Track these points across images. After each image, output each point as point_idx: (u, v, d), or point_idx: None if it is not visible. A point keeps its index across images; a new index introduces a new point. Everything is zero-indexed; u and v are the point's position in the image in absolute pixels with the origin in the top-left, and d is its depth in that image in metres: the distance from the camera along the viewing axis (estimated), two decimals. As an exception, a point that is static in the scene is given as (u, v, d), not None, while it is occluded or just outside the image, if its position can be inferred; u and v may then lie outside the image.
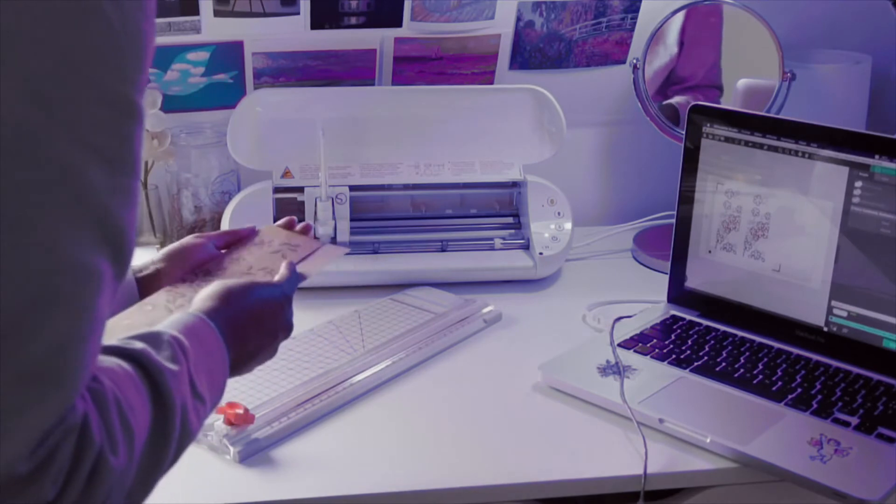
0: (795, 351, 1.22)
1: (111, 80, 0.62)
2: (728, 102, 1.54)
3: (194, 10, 1.42)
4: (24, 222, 0.59)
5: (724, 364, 1.20)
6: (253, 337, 0.89)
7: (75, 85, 0.60)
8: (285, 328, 0.94)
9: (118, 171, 0.63)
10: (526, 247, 1.48)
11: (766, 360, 1.21)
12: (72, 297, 0.61)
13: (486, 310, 1.35)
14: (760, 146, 1.25)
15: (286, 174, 1.45)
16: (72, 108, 0.60)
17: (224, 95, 1.50)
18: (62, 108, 0.60)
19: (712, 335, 1.26)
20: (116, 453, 0.64)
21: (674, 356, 1.22)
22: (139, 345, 0.72)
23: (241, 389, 1.13)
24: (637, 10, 1.57)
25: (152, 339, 0.74)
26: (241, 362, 0.89)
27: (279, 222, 1.11)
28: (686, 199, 1.32)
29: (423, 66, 1.56)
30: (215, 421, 1.05)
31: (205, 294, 0.89)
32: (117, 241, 0.64)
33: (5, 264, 0.58)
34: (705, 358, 1.21)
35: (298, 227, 1.12)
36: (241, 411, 1.06)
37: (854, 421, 1.09)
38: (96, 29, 0.61)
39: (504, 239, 1.49)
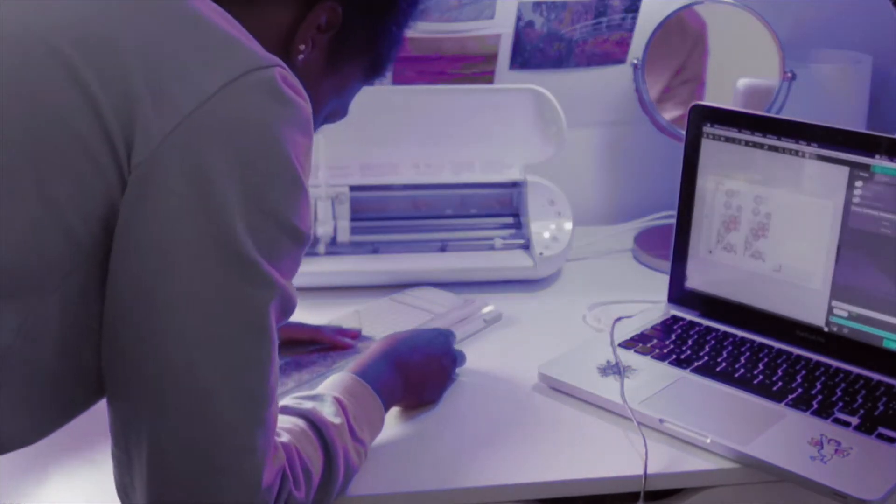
0: (796, 351, 1.22)
1: (303, 225, 0.81)
2: (728, 102, 1.54)
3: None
4: (260, 326, 0.80)
5: (724, 364, 1.20)
6: (413, 371, 1.11)
7: (285, 236, 0.80)
8: (446, 355, 1.17)
9: (293, 275, 0.83)
10: (526, 247, 1.48)
11: (766, 360, 1.21)
12: (276, 366, 0.82)
13: (485, 310, 1.35)
14: (761, 146, 1.25)
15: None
16: (283, 253, 0.80)
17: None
18: (277, 254, 0.80)
19: (712, 335, 1.26)
20: (300, 489, 0.86)
21: (674, 356, 1.22)
22: (308, 404, 0.94)
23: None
24: (637, 10, 1.57)
25: (317, 399, 0.96)
26: (411, 394, 1.11)
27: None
28: (686, 199, 1.32)
29: (423, 66, 1.56)
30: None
31: (368, 354, 1.10)
32: (289, 315, 0.85)
33: (242, 360, 0.80)
34: (705, 358, 1.21)
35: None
36: None
37: (854, 421, 1.09)
38: (301, 194, 0.80)
39: (504, 239, 1.49)
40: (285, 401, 0.94)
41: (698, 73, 1.62)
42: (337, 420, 0.94)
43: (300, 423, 0.91)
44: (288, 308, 0.83)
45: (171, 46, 0.77)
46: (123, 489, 0.84)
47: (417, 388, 1.11)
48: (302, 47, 0.89)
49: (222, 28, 0.79)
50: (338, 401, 0.96)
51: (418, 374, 1.11)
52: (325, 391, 0.98)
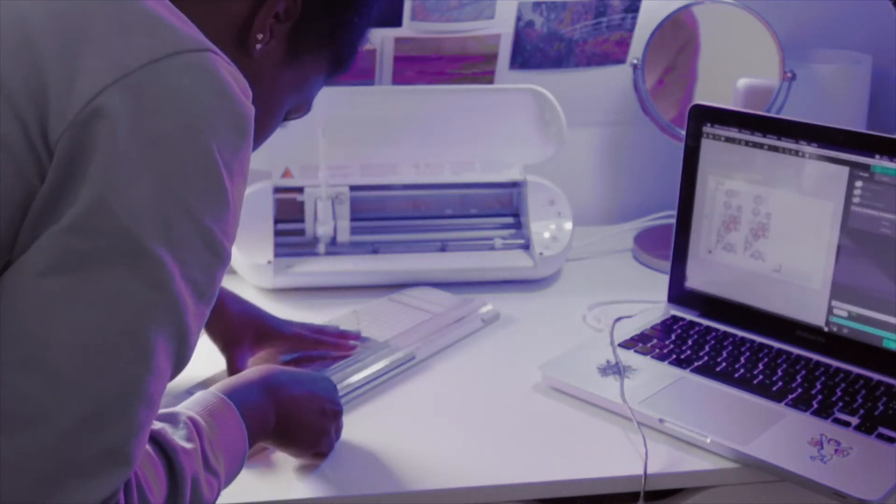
0: (796, 351, 1.22)
1: (221, 234, 0.74)
2: (728, 102, 1.54)
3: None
4: (137, 333, 0.71)
5: (724, 364, 1.20)
6: (291, 406, 0.99)
7: (196, 234, 0.72)
8: (330, 401, 1.04)
9: (204, 302, 0.75)
10: (526, 247, 1.48)
11: (766, 360, 1.21)
12: (152, 395, 0.72)
13: (483, 309, 1.35)
14: (761, 146, 1.25)
15: (286, 174, 1.45)
16: (189, 250, 0.72)
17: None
18: (181, 248, 0.71)
19: (712, 335, 1.26)
20: None
21: (674, 356, 1.22)
22: (158, 425, 0.81)
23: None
24: (637, 10, 1.57)
25: (170, 418, 0.84)
26: (285, 434, 0.99)
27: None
28: (686, 199, 1.32)
29: (423, 66, 1.56)
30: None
31: (239, 376, 0.99)
32: (185, 355, 0.75)
33: (116, 361, 0.70)
34: (705, 358, 1.21)
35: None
36: None
37: (854, 421, 1.09)
38: (219, 194, 0.73)
39: (504, 239, 1.49)
40: None
41: (688, 72, 1.62)
42: (188, 445, 0.81)
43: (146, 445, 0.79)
44: (182, 339, 0.74)
45: (91, 24, 0.72)
46: None
47: (293, 428, 0.99)
48: (259, 37, 0.83)
49: (154, 10, 0.74)
50: (193, 422, 0.84)
51: (296, 410, 0.99)
52: (181, 409, 0.87)
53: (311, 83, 0.93)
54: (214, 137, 0.73)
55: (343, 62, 0.94)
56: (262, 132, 0.90)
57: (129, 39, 0.71)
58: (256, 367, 1.01)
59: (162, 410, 0.83)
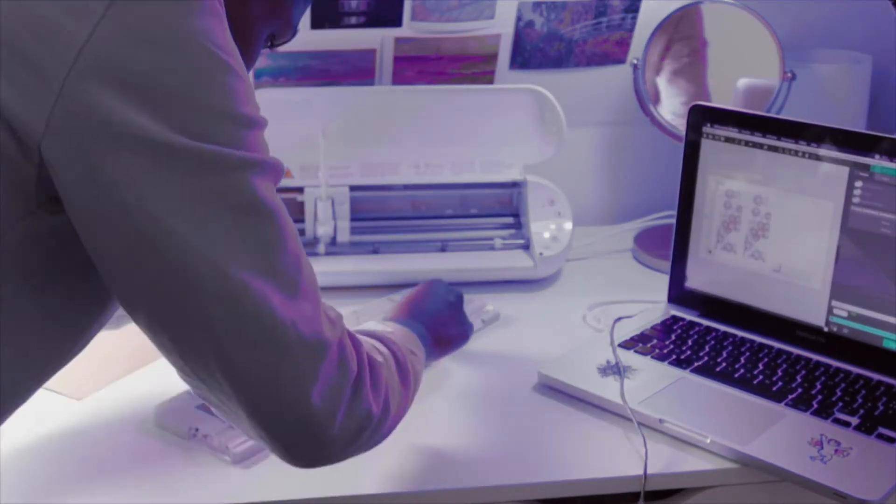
0: (795, 351, 1.22)
1: (250, 108, 0.79)
2: (728, 102, 1.54)
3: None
4: (255, 205, 0.81)
5: (724, 364, 1.20)
6: (444, 323, 1.17)
7: (239, 126, 0.78)
8: (451, 292, 1.23)
9: (273, 163, 0.84)
10: (526, 247, 1.48)
11: (766, 360, 1.21)
12: (293, 233, 0.83)
13: (484, 309, 1.35)
14: (760, 146, 1.25)
15: (286, 174, 1.45)
16: (246, 138, 0.79)
17: (224, 95, 1.50)
18: (241, 141, 0.79)
19: (712, 335, 1.26)
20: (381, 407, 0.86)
21: (674, 356, 1.22)
22: (386, 332, 0.97)
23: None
24: (637, 10, 1.57)
25: (363, 331, 0.96)
26: (440, 350, 1.16)
27: None
28: (686, 199, 1.32)
29: (423, 66, 1.56)
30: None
31: (396, 304, 1.17)
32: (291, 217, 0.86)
33: (254, 242, 0.78)
34: (705, 358, 1.21)
35: None
36: None
37: (854, 421, 1.09)
38: (234, 77, 0.77)
39: (504, 239, 1.49)
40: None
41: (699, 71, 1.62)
42: (389, 329, 1.00)
43: (383, 349, 0.92)
44: (277, 172, 0.84)
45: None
46: (219, 408, 0.83)
47: (444, 336, 1.16)
48: None
49: None
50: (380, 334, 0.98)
51: (439, 322, 1.16)
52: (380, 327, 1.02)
53: (286, 6, 0.92)
54: (204, 36, 0.74)
55: None
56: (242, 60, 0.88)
57: None
58: (397, 306, 1.17)
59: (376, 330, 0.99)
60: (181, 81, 0.74)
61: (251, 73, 1.48)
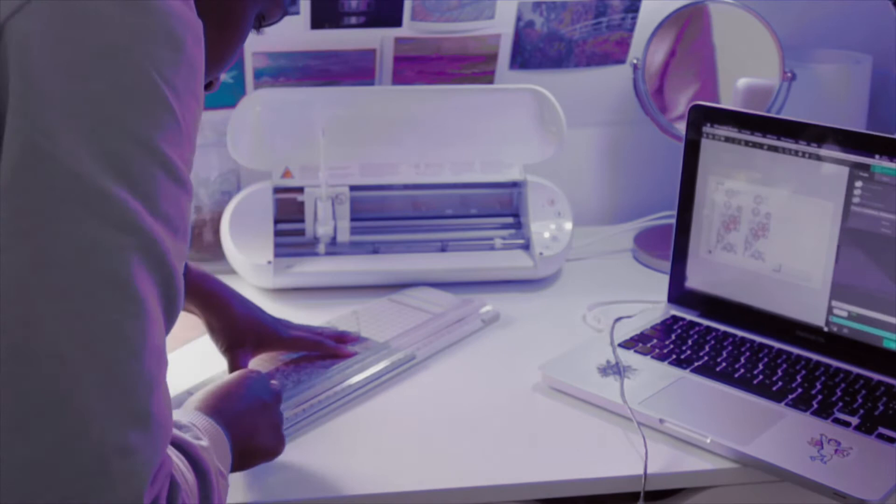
0: (795, 351, 1.22)
1: (179, 160, 0.66)
2: (728, 102, 1.54)
3: (194, 9, 1.42)
4: (120, 282, 0.63)
5: (724, 364, 1.20)
6: (252, 432, 0.94)
7: (152, 163, 0.65)
8: (275, 423, 0.99)
9: (179, 238, 0.68)
10: (526, 247, 1.48)
11: (766, 360, 1.21)
12: (157, 345, 0.66)
13: (483, 309, 1.35)
14: (760, 146, 1.25)
15: (286, 174, 1.45)
16: (148, 182, 0.65)
17: (224, 95, 1.50)
18: (140, 181, 0.64)
19: (712, 335, 1.26)
20: None
21: (674, 356, 1.22)
22: (202, 445, 0.77)
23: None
24: (637, 10, 1.57)
25: (175, 424, 0.78)
26: (240, 457, 0.92)
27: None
28: (686, 199, 1.32)
29: (423, 66, 1.56)
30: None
31: (203, 393, 0.94)
32: (175, 297, 0.68)
33: (108, 318, 0.63)
34: (705, 358, 1.21)
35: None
36: None
37: (854, 421, 1.09)
38: (166, 114, 0.66)
39: (504, 239, 1.49)
40: None
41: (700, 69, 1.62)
42: (204, 443, 0.79)
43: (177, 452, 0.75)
44: (168, 280, 0.66)
45: None
46: None
47: (252, 442, 0.94)
48: None
49: None
50: (196, 426, 0.82)
51: (248, 424, 0.94)
52: (179, 418, 0.83)
53: None
54: (145, 55, 0.65)
55: None
56: (230, 46, 0.84)
57: None
58: (195, 397, 0.94)
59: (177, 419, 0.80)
60: (105, 92, 0.64)
61: (251, 74, 1.48)
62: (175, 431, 0.76)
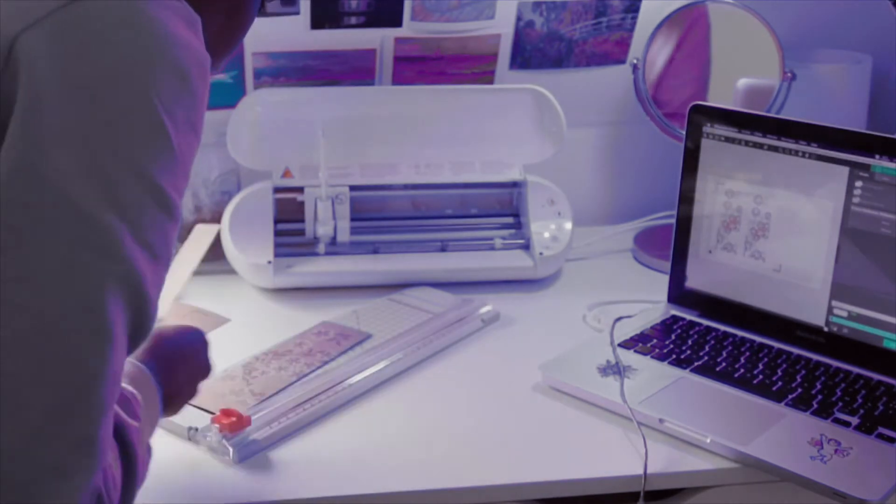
0: (795, 351, 1.22)
1: (171, 189, 0.67)
2: (728, 102, 1.54)
3: (194, 9, 1.42)
4: (92, 308, 0.63)
5: (724, 364, 1.20)
6: (181, 378, 0.92)
7: (144, 191, 0.65)
8: (206, 369, 0.97)
9: (161, 265, 0.68)
10: (526, 247, 1.48)
11: (766, 360, 1.21)
12: (115, 372, 0.66)
13: (483, 309, 1.35)
14: (760, 146, 1.25)
15: (286, 174, 1.45)
16: (137, 209, 0.65)
17: (224, 95, 1.50)
18: (129, 209, 0.64)
19: (712, 335, 1.26)
20: None
21: (674, 356, 1.22)
22: (122, 413, 0.75)
23: (241, 389, 1.12)
24: (637, 10, 1.57)
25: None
26: (170, 404, 0.91)
27: None
28: (686, 199, 1.32)
29: (423, 66, 1.56)
30: (212, 426, 1.05)
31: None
32: (145, 325, 0.68)
33: (72, 342, 0.63)
34: (705, 358, 1.21)
35: None
36: (234, 419, 1.04)
37: (854, 421, 1.09)
38: (163, 144, 0.66)
39: (504, 239, 1.49)
40: None
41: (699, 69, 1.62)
42: (134, 423, 0.76)
43: None
44: (140, 307, 0.66)
45: None
46: None
47: (175, 386, 0.93)
48: None
49: None
50: (132, 396, 0.80)
51: (182, 362, 0.94)
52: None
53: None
54: (149, 82, 0.65)
55: None
56: (238, 29, 0.83)
57: None
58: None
59: None
60: (105, 117, 0.64)
61: (251, 74, 1.48)
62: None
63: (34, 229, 0.62)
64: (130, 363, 0.85)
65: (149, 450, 0.80)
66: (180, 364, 0.93)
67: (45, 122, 0.62)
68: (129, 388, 0.80)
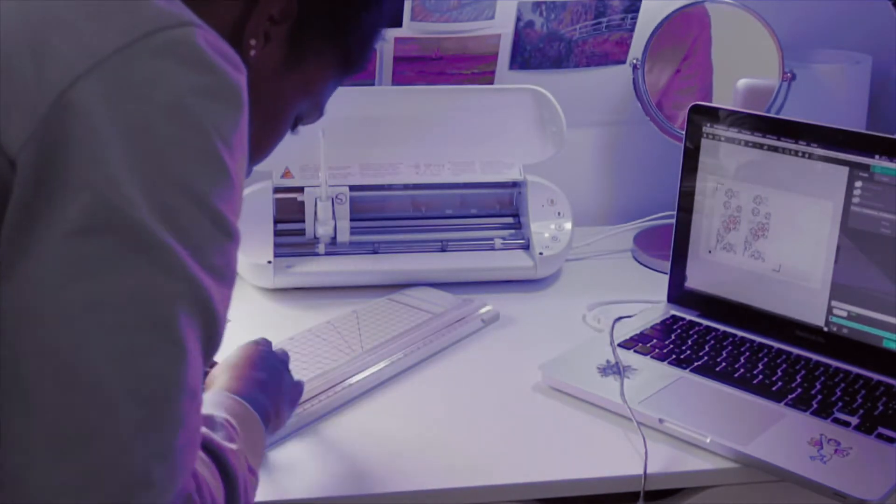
0: (795, 351, 1.22)
1: (229, 213, 0.70)
2: (728, 102, 1.54)
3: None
4: (169, 326, 0.67)
5: (724, 364, 1.20)
6: (276, 397, 0.99)
7: (204, 217, 0.68)
8: (295, 387, 1.05)
9: (225, 284, 0.72)
10: (526, 247, 1.48)
11: (766, 360, 1.21)
12: (194, 387, 0.69)
13: (483, 310, 1.35)
14: (760, 146, 1.25)
15: (286, 174, 1.45)
16: (198, 234, 0.68)
17: (224, 95, 1.50)
18: (191, 234, 0.68)
19: (712, 335, 1.26)
20: None
21: (674, 356, 1.22)
22: (216, 436, 0.80)
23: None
24: (637, 10, 1.57)
25: (207, 421, 0.82)
26: (274, 420, 0.98)
27: None
28: (686, 198, 1.32)
29: (423, 66, 1.56)
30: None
31: (227, 367, 0.99)
32: (216, 341, 0.72)
33: (153, 359, 0.66)
34: (705, 358, 1.21)
35: None
36: None
37: (854, 421, 1.09)
38: (219, 169, 0.69)
39: (504, 239, 1.49)
40: None
41: (700, 72, 1.62)
42: (233, 446, 0.81)
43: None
44: (210, 323, 0.70)
45: (61, 9, 0.67)
46: None
47: (279, 405, 1.00)
48: (253, 42, 0.79)
49: None
50: (229, 424, 0.86)
51: (274, 387, 1.00)
52: (213, 412, 0.87)
53: (319, 86, 0.88)
54: (204, 113, 0.68)
55: (353, 62, 0.88)
56: (268, 141, 0.88)
57: (102, 22, 0.66)
58: (222, 368, 0.99)
59: None
60: (165, 148, 0.67)
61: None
62: (207, 432, 0.79)
63: (110, 254, 0.65)
64: (227, 396, 0.92)
65: (253, 472, 0.84)
66: (270, 386, 0.99)
67: (112, 158, 0.65)
68: (223, 415, 0.86)
